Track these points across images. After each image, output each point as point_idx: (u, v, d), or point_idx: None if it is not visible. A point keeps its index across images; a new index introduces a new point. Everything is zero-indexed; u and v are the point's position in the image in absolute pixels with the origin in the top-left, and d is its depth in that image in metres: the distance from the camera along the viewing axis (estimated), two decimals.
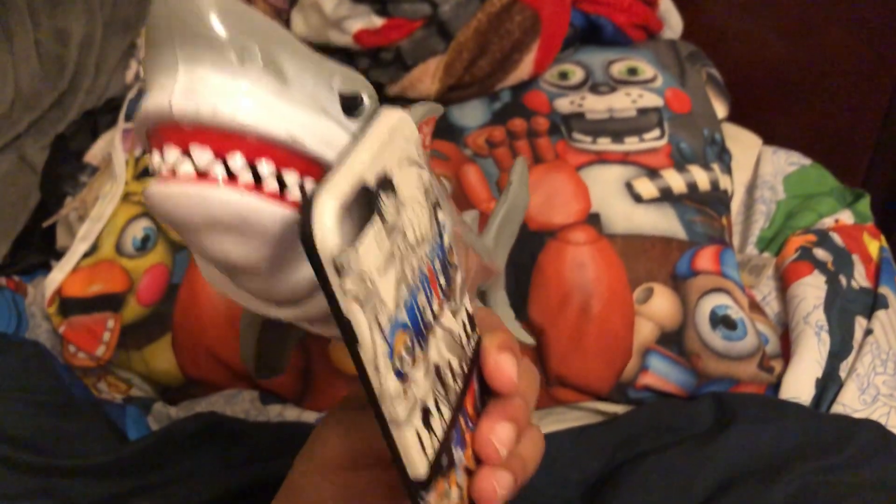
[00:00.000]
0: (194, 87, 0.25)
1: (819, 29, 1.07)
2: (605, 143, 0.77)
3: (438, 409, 0.28)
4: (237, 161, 0.25)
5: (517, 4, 0.79)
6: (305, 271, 0.27)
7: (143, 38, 0.26)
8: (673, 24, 0.97)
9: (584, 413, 0.70)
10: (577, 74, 0.85)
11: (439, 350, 0.29)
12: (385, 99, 0.84)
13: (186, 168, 0.25)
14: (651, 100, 0.81)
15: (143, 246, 0.78)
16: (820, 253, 0.79)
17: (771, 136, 1.00)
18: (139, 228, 0.79)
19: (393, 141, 0.26)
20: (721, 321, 0.68)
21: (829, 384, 0.68)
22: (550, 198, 0.73)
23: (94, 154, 0.95)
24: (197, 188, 0.25)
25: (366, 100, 0.29)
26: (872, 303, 0.76)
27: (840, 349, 0.71)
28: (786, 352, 0.72)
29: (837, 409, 0.66)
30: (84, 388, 0.75)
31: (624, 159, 0.76)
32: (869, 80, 1.09)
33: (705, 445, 0.61)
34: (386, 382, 0.25)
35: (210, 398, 0.73)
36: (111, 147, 0.88)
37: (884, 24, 1.03)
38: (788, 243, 0.83)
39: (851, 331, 0.73)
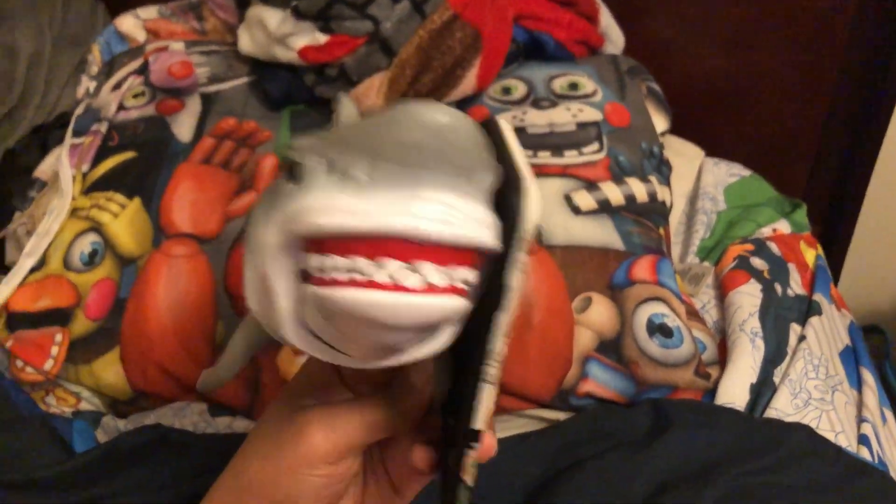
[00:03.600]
0: (447, 215, 0.27)
1: (758, 43, 1.10)
2: (545, 157, 0.79)
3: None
4: (460, 274, 0.28)
5: (458, 21, 0.81)
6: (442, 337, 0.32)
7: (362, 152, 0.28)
8: (614, 39, 0.99)
9: (528, 420, 0.71)
10: (520, 89, 0.87)
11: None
12: (330, 113, 0.85)
13: (414, 280, 0.27)
14: (591, 114, 0.83)
15: (91, 261, 0.78)
16: (757, 262, 0.82)
17: (713, 148, 1.02)
18: (87, 243, 0.79)
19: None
20: (658, 329, 0.70)
21: (763, 389, 0.70)
22: None
23: (43, 170, 0.94)
24: (428, 299, 0.27)
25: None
26: (807, 310, 0.79)
27: (774, 355, 0.73)
28: (723, 358, 0.74)
29: (771, 413, 0.68)
30: (31, 402, 0.74)
31: (563, 172, 0.78)
32: (807, 92, 1.12)
33: (642, 451, 0.63)
34: (502, 347, 0.31)
35: (159, 411, 0.73)
36: (59, 162, 0.88)
37: (819, 36, 1.07)
38: (727, 252, 0.85)
39: (786, 337, 0.75)
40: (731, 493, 0.59)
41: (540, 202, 0.29)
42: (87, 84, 1.06)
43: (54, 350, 0.75)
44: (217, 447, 0.67)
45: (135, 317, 0.74)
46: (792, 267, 0.83)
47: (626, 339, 0.70)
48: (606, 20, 0.98)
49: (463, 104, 0.86)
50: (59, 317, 0.76)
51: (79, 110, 0.94)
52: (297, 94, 0.88)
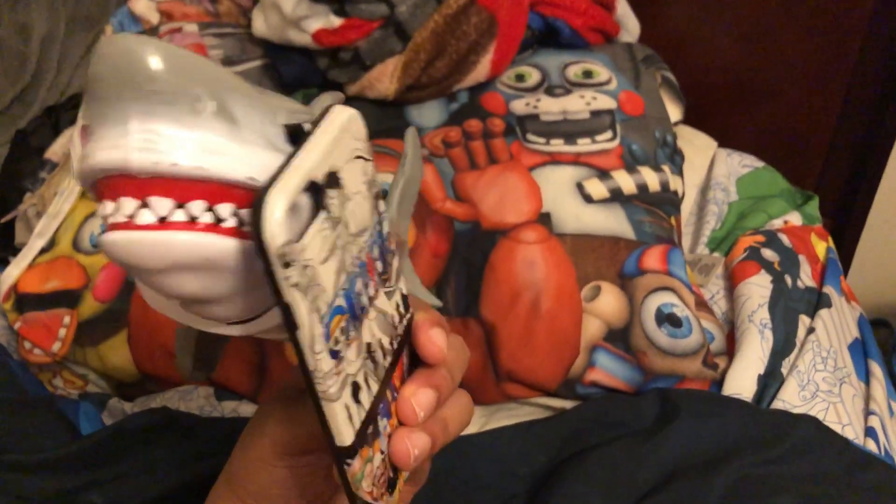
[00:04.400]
0: (151, 142, 0.25)
1: (774, 35, 1.09)
2: (558, 145, 0.79)
3: (367, 384, 0.31)
4: (198, 207, 0.26)
5: (474, 6, 0.80)
6: (261, 294, 0.29)
7: (86, 90, 0.26)
8: (630, 27, 0.99)
9: (534, 408, 0.71)
10: (534, 76, 0.87)
11: (372, 330, 0.31)
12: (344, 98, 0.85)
13: (146, 216, 0.26)
14: (605, 102, 0.83)
15: None
16: (767, 253, 0.81)
17: (726, 139, 1.02)
18: (97, 225, 0.79)
19: (342, 138, 0.28)
20: (666, 319, 0.70)
21: (770, 381, 0.70)
22: (503, 197, 0.74)
23: (54, 150, 0.94)
24: (160, 235, 0.26)
25: (307, 127, 0.29)
26: (816, 302, 0.79)
27: (783, 347, 0.73)
28: (731, 349, 0.74)
29: (778, 404, 0.68)
30: (39, 383, 0.75)
31: (576, 160, 0.77)
32: (822, 84, 1.11)
33: (649, 440, 0.63)
34: (320, 363, 0.28)
35: (165, 394, 0.73)
36: (70, 143, 0.88)
37: (836, 31, 1.06)
38: (738, 243, 0.85)
39: (795, 329, 0.75)
40: (737, 484, 0.59)
41: (286, 208, 0.25)
42: None
43: (62, 332, 0.76)
44: (222, 431, 0.67)
45: (143, 300, 0.74)
46: (802, 259, 0.83)
47: (634, 329, 0.69)
48: (622, 8, 0.97)
49: (476, 90, 0.86)
50: (67, 298, 0.76)
51: None
52: (311, 78, 0.88)
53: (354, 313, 0.30)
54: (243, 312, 0.31)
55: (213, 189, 0.26)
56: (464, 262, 0.72)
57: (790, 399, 0.68)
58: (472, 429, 0.68)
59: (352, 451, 0.31)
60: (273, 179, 0.25)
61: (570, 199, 0.74)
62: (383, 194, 0.32)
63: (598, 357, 0.69)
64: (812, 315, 0.77)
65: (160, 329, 0.72)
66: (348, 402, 0.30)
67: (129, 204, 0.26)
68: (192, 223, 0.26)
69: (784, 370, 0.71)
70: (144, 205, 0.26)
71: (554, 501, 0.59)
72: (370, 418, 0.32)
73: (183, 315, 0.32)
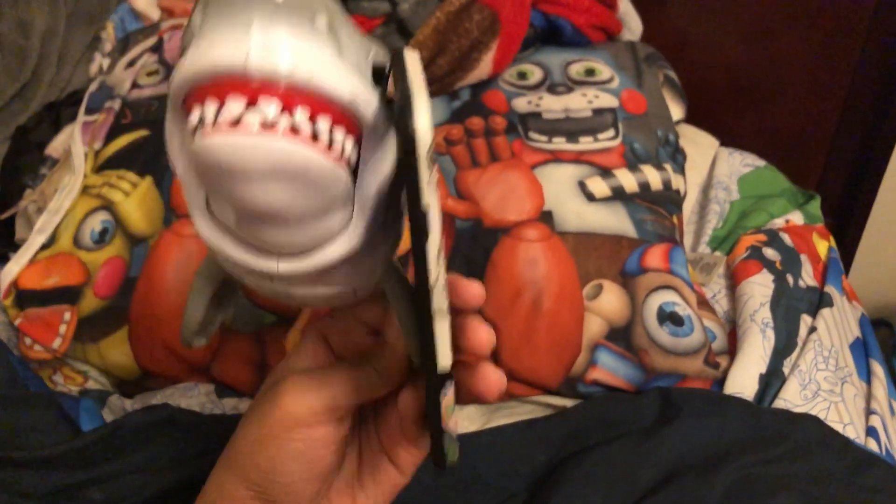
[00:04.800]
0: (273, 46, 0.26)
1: (776, 34, 1.09)
2: (560, 143, 0.78)
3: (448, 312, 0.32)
4: (303, 116, 0.27)
5: (476, 4, 0.80)
6: (333, 220, 0.31)
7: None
8: (632, 26, 0.98)
9: (535, 407, 0.71)
10: (536, 74, 0.86)
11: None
12: None
13: (252, 119, 0.26)
14: (607, 100, 0.83)
15: (101, 239, 0.78)
16: (769, 252, 0.81)
17: (728, 138, 1.02)
18: (97, 221, 0.79)
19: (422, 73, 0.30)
20: (668, 317, 0.70)
21: (772, 380, 0.70)
22: (505, 195, 0.74)
23: (55, 147, 0.94)
24: (265, 139, 0.26)
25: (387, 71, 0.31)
26: (818, 301, 0.79)
27: (784, 346, 0.73)
28: (732, 348, 0.74)
29: (779, 404, 0.68)
30: (39, 380, 0.75)
31: (578, 158, 0.77)
32: (824, 84, 1.11)
33: (650, 438, 0.63)
34: (440, 274, 0.29)
35: (166, 391, 0.73)
36: (71, 139, 0.88)
37: (838, 30, 1.06)
38: (740, 242, 0.85)
39: (796, 328, 0.75)
40: (738, 483, 0.59)
41: (430, 119, 0.27)
42: (100, 61, 1.06)
43: (63, 328, 0.75)
44: (223, 428, 0.66)
45: (144, 296, 0.74)
46: (804, 258, 0.83)
47: (636, 327, 0.69)
48: (625, 6, 0.97)
49: (478, 88, 0.85)
50: (68, 295, 0.76)
51: (92, 87, 0.94)
52: None
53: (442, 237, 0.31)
54: (305, 243, 0.31)
55: (317, 102, 0.27)
56: (465, 259, 0.72)
57: (792, 398, 0.68)
58: (472, 427, 0.68)
59: (451, 375, 0.32)
60: (404, 93, 0.27)
61: (572, 197, 0.74)
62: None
63: (599, 355, 0.69)
64: (814, 314, 0.77)
65: (161, 326, 0.72)
66: (448, 323, 0.31)
67: (236, 105, 0.26)
68: (295, 132, 0.27)
69: (785, 369, 0.71)
70: (251, 106, 0.26)
71: (554, 500, 0.59)
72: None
73: (233, 247, 0.33)
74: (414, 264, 0.29)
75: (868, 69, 1.07)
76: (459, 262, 0.72)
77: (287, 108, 0.26)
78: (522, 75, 0.87)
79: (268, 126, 0.26)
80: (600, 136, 0.79)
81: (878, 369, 0.74)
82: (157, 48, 0.95)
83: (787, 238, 0.84)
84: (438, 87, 0.84)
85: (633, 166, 0.77)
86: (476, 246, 0.72)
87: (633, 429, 0.65)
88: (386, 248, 0.35)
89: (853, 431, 0.67)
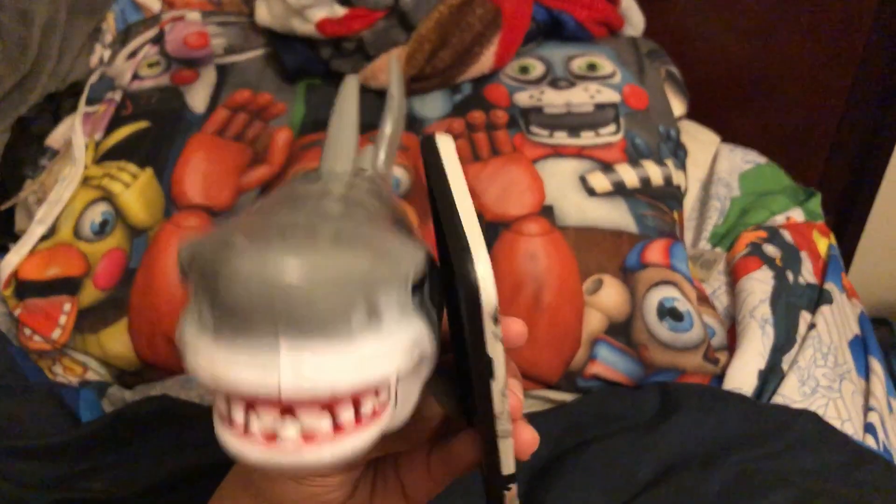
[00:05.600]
0: (304, 368, 0.23)
1: (778, 31, 1.09)
2: (561, 137, 0.78)
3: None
4: (347, 414, 0.25)
5: None
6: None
7: (209, 288, 0.24)
8: (634, 21, 0.98)
9: (534, 401, 0.71)
10: (538, 69, 0.86)
11: None
12: None
13: (291, 433, 0.24)
14: (609, 95, 0.83)
15: (102, 230, 0.78)
16: (769, 249, 0.81)
17: (729, 135, 1.02)
18: (97, 212, 0.79)
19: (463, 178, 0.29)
20: (668, 313, 0.70)
21: (771, 376, 0.70)
22: (506, 190, 0.74)
23: (55, 138, 0.94)
24: (306, 451, 0.24)
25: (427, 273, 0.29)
26: (818, 298, 0.79)
27: (784, 342, 0.73)
28: (732, 344, 0.74)
29: (778, 400, 0.68)
30: (39, 371, 0.75)
31: (579, 153, 0.77)
32: (826, 81, 1.11)
33: (649, 433, 0.63)
34: (505, 405, 0.29)
35: (165, 382, 0.73)
36: (71, 130, 0.88)
37: (840, 27, 1.06)
38: (740, 239, 0.85)
39: (796, 325, 0.75)
40: (737, 478, 0.59)
41: (490, 267, 0.25)
42: (100, 53, 1.06)
43: (62, 319, 0.75)
44: None
45: (144, 287, 0.74)
46: (804, 255, 0.83)
47: (636, 322, 0.69)
48: (627, 1, 0.97)
49: (480, 82, 0.85)
50: (68, 286, 0.76)
51: (93, 78, 0.94)
52: (314, 68, 0.87)
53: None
54: None
55: (360, 393, 0.25)
56: None
57: (790, 394, 0.68)
58: None
59: (514, 477, 0.32)
60: (457, 237, 0.26)
61: (573, 192, 0.74)
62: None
63: (599, 350, 0.69)
64: (813, 311, 0.77)
65: (161, 317, 0.72)
66: (512, 438, 0.32)
67: (267, 417, 0.24)
68: (337, 429, 0.25)
69: (785, 366, 0.71)
70: (289, 417, 0.24)
71: (553, 494, 0.59)
72: None
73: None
74: (479, 400, 0.29)
75: (870, 67, 1.07)
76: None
77: (329, 411, 0.24)
78: (524, 69, 0.87)
79: (307, 437, 0.24)
80: (602, 130, 0.79)
81: (877, 367, 0.74)
82: (158, 40, 0.95)
83: (787, 235, 0.84)
84: (440, 80, 0.84)
85: (634, 161, 0.77)
86: None
87: (633, 423, 0.65)
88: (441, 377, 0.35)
89: (851, 428, 0.67)
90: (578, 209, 0.73)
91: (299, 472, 0.27)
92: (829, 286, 0.79)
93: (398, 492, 0.42)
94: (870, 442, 0.67)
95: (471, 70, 0.84)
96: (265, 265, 0.22)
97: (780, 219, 0.89)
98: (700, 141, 0.98)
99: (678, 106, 0.93)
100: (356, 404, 0.25)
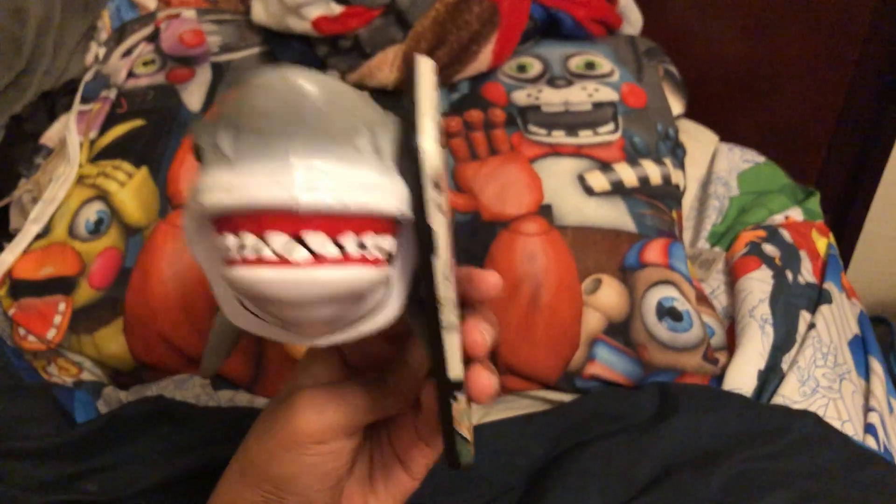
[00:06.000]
0: (316, 180, 0.25)
1: (777, 29, 1.08)
2: (559, 136, 0.78)
3: (459, 320, 0.32)
4: (350, 242, 0.26)
5: None
6: (373, 302, 0.31)
7: (227, 115, 0.26)
8: (632, 20, 0.98)
9: (532, 401, 0.71)
10: (536, 67, 0.86)
11: (456, 269, 0.33)
12: None
13: (301, 254, 0.26)
14: (607, 94, 0.82)
15: (97, 229, 0.77)
16: (768, 248, 0.81)
17: (727, 134, 1.01)
18: (92, 211, 0.78)
19: (434, 85, 0.30)
20: (667, 313, 0.69)
21: (771, 376, 0.70)
22: (504, 189, 0.74)
23: (50, 136, 0.94)
24: (314, 271, 0.26)
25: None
26: (817, 298, 0.78)
27: (783, 342, 0.72)
28: (731, 344, 0.74)
29: (778, 400, 0.68)
30: (33, 371, 0.74)
31: (577, 152, 0.77)
32: (824, 80, 1.11)
33: (648, 433, 0.63)
34: (447, 290, 0.29)
35: (161, 383, 0.73)
36: (66, 129, 0.87)
37: (839, 25, 1.05)
38: (739, 238, 0.85)
39: (795, 324, 0.74)
40: (736, 478, 0.59)
41: (435, 140, 0.27)
42: (95, 51, 1.05)
43: (57, 319, 0.75)
44: (219, 419, 0.67)
45: (139, 287, 0.73)
46: (804, 254, 0.83)
47: (634, 322, 0.69)
48: (625, 0, 0.97)
49: (477, 80, 0.85)
50: (62, 285, 0.76)
51: (88, 76, 0.94)
52: (310, 66, 0.87)
53: (454, 249, 0.31)
54: (344, 327, 0.31)
55: (364, 223, 0.27)
56: (464, 253, 0.72)
57: (790, 395, 0.68)
58: None
59: (461, 384, 0.32)
60: (412, 115, 0.27)
61: (572, 191, 0.74)
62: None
63: (597, 350, 0.68)
64: (813, 311, 0.77)
65: (156, 318, 0.72)
66: (458, 334, 0.32)
67: (279, 239, 0.26)
68: (344, 258, 0.26)
69: (784, 366, 0.71)
70: (297, 239, 0.26)
71: (552, 494, 0.58)
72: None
73: (273, 333, 0.32)
74: (423, 282, 0.29)
75: (869, 65, 1.07)
76: (458, 255, 0.71)
77: (334, 235, 0.26)
78: (522, 68, 0.86)
79: (317, 258, 0.26)
80: (600, 129, 0.79)
81: (877, 367, 0.74)
82: (153, 38, 0.95)
83: (786, 234, 0.84)
84: (438, 79, 0.83)
85: (632, 160, 0.77)
86: (475, 239, 0.72)
87: (632, 424, 0.65)
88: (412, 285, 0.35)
89: (851, 428, 0.67)
90: (577, 208, 0.73)
91: (309, 295, 0.26)
92: (829, 286, 0.79)
93: (396, 465, 0.42)
94: (870, 443, 0.66)
95: (468, 68, 0.83)
96: (287, 79, 0.25)
97: (778, 218, 0.88)
98: (698, 140, 0.98)
99: (676, 105, 0.92)
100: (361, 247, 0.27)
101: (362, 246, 0.27)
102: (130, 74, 0.91)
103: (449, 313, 0.30)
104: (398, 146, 0.29)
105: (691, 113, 0.98)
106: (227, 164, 0.26)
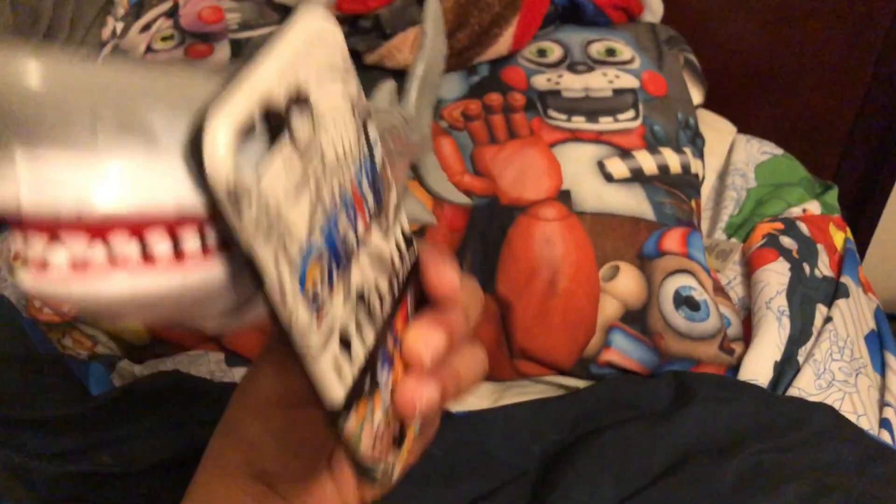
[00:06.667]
0: (42, 179, 0.20)
1: (798, 22, 1.08)
2: (579, 122, 0.77)
3: (360, 333, 0.27)
4: (122, 242, 0.21)
5: None
6: (231, 296, 0.25)
7: None
8: (653, 7, 0.97)
9: (547, 387, 0.71)
10: (556, 52, 0.85)
11: (363, 272, 0.27)
12: (362, 67, 0.83)
13: (60, 258, 0.21)
14: (627, 81, 0.82)
15: None
16: (786, 241, 0.81)
17: (745, 125, 1.01)
18: None
19: (311, 51, 0.23)
20: (685, 302, 0.69)
21: (786, 368, 0.70)
22: (523, 173, 0.73)
23: None
24: (83, 282, 0.21)
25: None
26: (834, 291, 0.78)
27: (799, 335, 0.72)
28: (747, 335, 0.73)
29: (793, 392, 0.68)
30: (48, 343, 0.74)
31: (597, 138, 0.76)
32: (845, 74, 1.10)
33: (663, 422, 0.63)
34: (296, 316, 0.23)
35: (175, 358, 0.73)
36: None
37: (862, 19, 1.05)
38: (756, 230, 0.84)
39: (812, 317, 0.74)
40: (751, 469, 0.59)
41: (232, 139, 0.20)
42: (112, 25, 1.04)
43: None
44: (232, 394, 0.66)
45: None
46: (821, 248, 0.82)
47: (651, 310, 0.69)
48: None
49: (497, 64, 0.84)
50: None
51: (106, 51, 0.93)
52: None
53: (338, 255, 0.25)
54: (220, 316, 0.26)
55: (137, 221, 0.21)
56: (481, 236, 0.71)
57: (806, 387, 0.68)
58: (484, 404, 0.67)
59: (344, 410, 0.27)
60: (213, 101, 0.20)
61: (591, 177, 0.74)
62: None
63: (613, 337, 0.68)
64: (829, 304, 0.76)
65: None
66: (337, 356, 0.26)
67: (37, 244, 0.21)
68: (115, 262, 0.21)
69: (800, 358, 0.70)
70: (56, 241, 0.21)
71: (566, 479, 0.58)
72: (366, 371, 0.28)
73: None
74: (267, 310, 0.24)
75: (889, 60, 1.06)
76: (475, 239, 0.71)
77: (100, 236, 0.21)
78: (542, 52, 0.86)
79: (79, 265, 0.21)
80: (620, 116, 0.78)
81: (893, 362, 0.74)
82: (172, 13, 0.94)
83: (803, 227, 0.83)
84: (457, 61, 0.83)
85: (652, 148, 0.77)
86: (492, 223, 0.71)
87: (647, 411, 0.64)
88: None
89: (867, 422, 0.67)
90: (596, 195, 0.73)
91: (92, 305, 0.21)
92: (846, 280, 0.79)
93: None
94: (885, 437, 0.66)
95: (488, 51, 0.82)
96: (4, 66, 0.20)
97: (796, 211, 0.88)
98: (716, 130, 0.97)
99: (696, 94, 0.92)
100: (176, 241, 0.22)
101: (149, 245, 0.22)
102: (149, 49, 0.90)
103: (306, 338, 0.24)
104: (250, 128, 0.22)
105: (709, 103, 0.98)
106: None
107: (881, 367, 0.74)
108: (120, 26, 1.00)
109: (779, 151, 0.97)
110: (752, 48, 1.12)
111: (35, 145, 0.20)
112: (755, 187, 0.92)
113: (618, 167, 0.74)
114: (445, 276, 0.31)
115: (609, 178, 0.74)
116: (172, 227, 0.22)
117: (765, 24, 1.09)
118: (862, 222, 1.18)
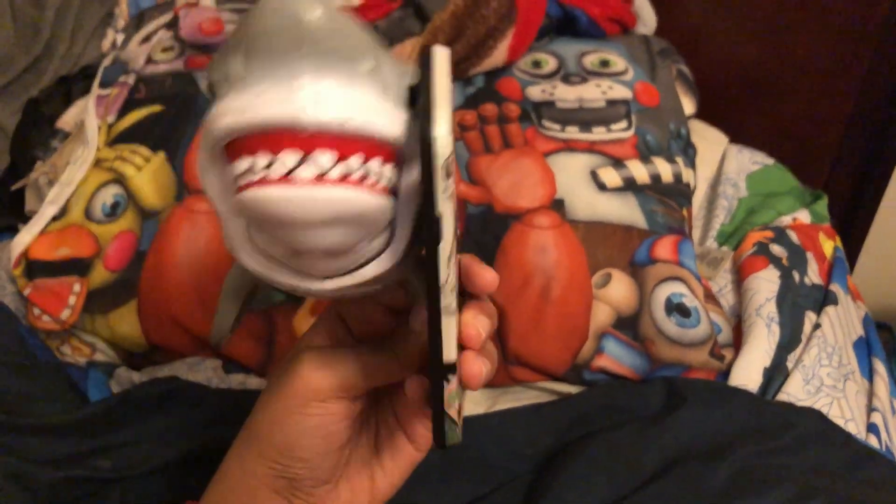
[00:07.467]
0: (323, 98, 0.26)
1: (789, 32, 1.09)
2: (573, 132, 0.79)
3: (458, 306, 0.33)
4: (356, 162, 0.27)
5: None
6: (378, 241, 0.32)
7: (235, 41, 0.27)
8: (647, 19, 0.99)
9: (540, 393, 0.72)
10: (550, 64, 0.87)
11: (458, 256, 0.34)
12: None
13: (307, 171, 0.27)
14: (620, 92, 0.83)
15: (113, 212, 0.78)
16: (776, 249, 0.82)
17: (737, 135, 1.02)
18: (109, 195, 0.79)
19: (449, 76, 0.30)
20: (676, 308, 0.70)
21: (776, 374, 0.70)
22: (517, 182, 0.75)
23: (66, 120, 0.95)
24: (320, 190, 0.27)
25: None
26: (823, 299, 0.79)
27: (789, 341, 0.73)
28: (737, 341, 0.75)
29: (782, 397, 0.69)
30: (47, 350, 0.75)
31: (590, 148, 0.78)
32: (835, 84, 1.11)
33: (654, 426, 0.63)
34: (450, 276, 0.30)
35: (173, 365, 0.74)
36: (84, 113, 0.88)
37: (851, 30, 1.06)
38: (747, 238, 0.85)
39: (801, 324, 0.75)
40: (740, 472, 0.60)
41: (449, 130, 0.28)
42: (112, 37, 1.06)
43: (72, 300, 0.76)
44: (231, 402, 0.67)
45: (154, 270, 0.74)
46: (810, 256, 0.83)
47: (643, 317, 0.70)
48: (640, 0, 0.97)
49: (493, 75, 0.86)
50: (78, 266, 0.77)
51: (106, 61, 0.94)
52: None
53: (456, 238, 0.32)
54: (350, 266, 0.32)
55: (367, 146, 0.28)
56: (475, 244, 0.73)
57: (795, 393, 0.69)
58: (478, 409, 0.68)
59: (454, 367, 0.33)
60: (427, 104, 0.27)
61: (584, 186, 0.75)
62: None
63: (606, 344, 0.69)
64: (818, 312, 0.77)
65: (170, 300, 0.73)
66: (456, 319, 0.32)
67: (290, 157, 0.26)
68: (348, 179, 0.27)
69: (789, 364, 0.71)
70: (306, 159, 0.27)
71: (558, 482, 0.59)
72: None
73: (280, 276, 0.33)
74: (426, 265, 0.30)
75: (879, 70, 1.08)
76: (470, 247, 0.72)
77: (340, 156, 0.27)
78: (537, 64, 0.87)
79: (322, 177, 0.27)
80: (613, 126, 0.80)
81: (881, 368, 0.75)
82: (172, 25, 0.96)
83: (793, 236, 0.85)
84: (453, 72, 0.84)
85: (645, 158, 0.78)
86: (487, 231, 0.73)
87: (639, 416, 0.65)
88: (417, 248, 0.36)
89: (854, 427, 0.68)
90: (589, 203, 0.74)
91: (311, 213, 0.28)
92: (835, 287, 0.80)
93: (402, 437, 0.43)
94: (872, 441, 0.67)
95: (484, 63, 0.84)
96: (296, 3, 0.26)
97: (786, 219, 0.89)
98: (708, 140, 0.99)
99: (688, 105, 0.93)
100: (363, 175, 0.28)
101: (367, 171, 0.28)
102: (149, 60, 0.92)
103: (448, 297, 0.31)
104: (406, 92, 0.30)
105: (702, 113, 0.99)
106: (238, 88, 0.27)
107: (869, 374, 0.75)
108: (120, 38, 1.01)
109: (770, 161, 0.99)
110: (743, 59, 1.14)
111: (321, 76, 0.26)
112: (746, 197, 0.93)
113: (611, 176, 0.76)
114: (488, 274, 0.37)
115: (602, 187, 0.75)
116: (386, 156, 0.29)
117: (756, 36, 1.11)
118: (853, 231, 1.19)
